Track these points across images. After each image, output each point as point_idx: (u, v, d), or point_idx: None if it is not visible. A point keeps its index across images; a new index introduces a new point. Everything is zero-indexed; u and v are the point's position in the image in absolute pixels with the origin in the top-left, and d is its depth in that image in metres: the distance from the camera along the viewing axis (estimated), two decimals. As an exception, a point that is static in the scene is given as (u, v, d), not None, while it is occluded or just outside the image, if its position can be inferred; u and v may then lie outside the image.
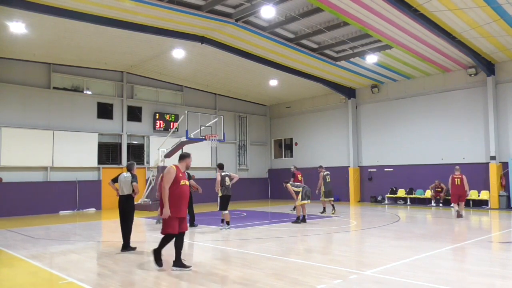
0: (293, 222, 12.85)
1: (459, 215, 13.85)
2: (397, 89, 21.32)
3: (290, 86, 23.23)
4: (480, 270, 6.49)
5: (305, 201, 12.83)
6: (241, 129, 26.49)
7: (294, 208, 16.88)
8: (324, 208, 15.96)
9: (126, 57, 19.09)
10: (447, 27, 14.43)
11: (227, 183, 11.64)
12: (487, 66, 17.60)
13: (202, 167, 23.20)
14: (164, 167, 16.65)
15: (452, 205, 15.51)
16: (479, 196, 18.03)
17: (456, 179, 13.95)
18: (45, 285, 6.37)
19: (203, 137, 18.07)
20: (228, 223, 11.68)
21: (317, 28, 16.16)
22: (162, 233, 6.72)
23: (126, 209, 8.66)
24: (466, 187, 13.89)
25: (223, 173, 11.77)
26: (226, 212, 11.59)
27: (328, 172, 16.10)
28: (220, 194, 11.59)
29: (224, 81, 22.80)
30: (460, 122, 18.90)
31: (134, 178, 8.63)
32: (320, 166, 16.43)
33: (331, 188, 15.87)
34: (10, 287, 6.13)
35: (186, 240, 10.30)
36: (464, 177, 13.96)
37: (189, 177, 11.78)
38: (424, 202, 19.62)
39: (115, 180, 8.76)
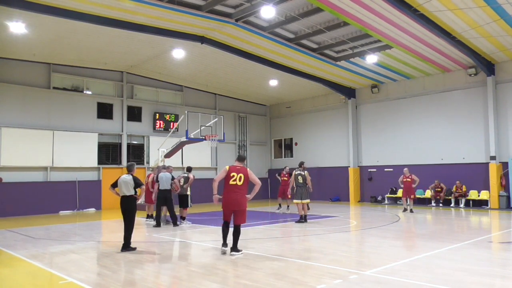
0: (296, 222, 12.93)
1: (409, 210, 15.85)
2: (397, 89, 21.32)
3: (290, 86, 23.22)
4: (480, 270, 6.49)
5: (304, 201, 12.96)
6: (241, 129, 26.48)
7: (280, 207, 17.14)
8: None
9: (126, 57, 19.09)
10: (447, 27, 14.42)
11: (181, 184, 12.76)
12: (487, 66, 17.59)
13: (202, 167, 23.21)
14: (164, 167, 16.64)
15: (401, 201, 17.20)
16: (479, 196, 18.02)
17: (406, 181, 16.00)
18: (45, 285, 6.37)
19: (203, 137, 18.07)
20: (183, 218, 12.96)
21: (317, 28, 16.15)
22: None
23: (127, 209, 8.69)
24: (416, 184, 16.14)
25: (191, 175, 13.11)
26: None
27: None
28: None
29: (224, 81, 22.79)
30: (460, 122, 18.89)
31: (138, 181, 8.67)
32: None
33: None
34: (10, 287, 6.14)
35: (184, 239, 10.33)
36: (413, 177, 15.99)
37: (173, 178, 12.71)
38: (424, 202, 19.61)
39: (114, 185, 8.81)
